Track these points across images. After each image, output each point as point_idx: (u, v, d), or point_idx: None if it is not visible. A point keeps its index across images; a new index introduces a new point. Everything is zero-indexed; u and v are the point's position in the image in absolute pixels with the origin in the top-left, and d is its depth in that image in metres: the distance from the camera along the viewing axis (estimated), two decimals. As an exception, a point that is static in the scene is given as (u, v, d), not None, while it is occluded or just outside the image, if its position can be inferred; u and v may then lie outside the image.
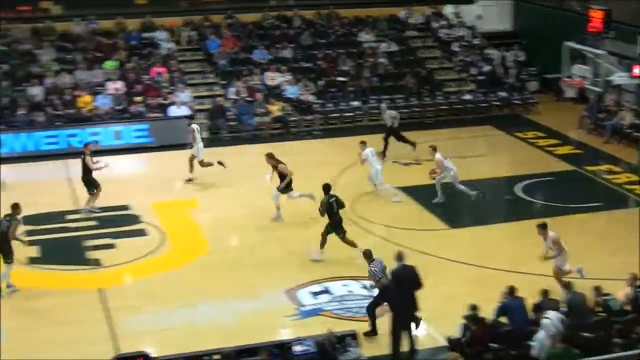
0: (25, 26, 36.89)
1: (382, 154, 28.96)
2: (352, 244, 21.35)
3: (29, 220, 24.21)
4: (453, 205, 25.49)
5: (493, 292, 17.50)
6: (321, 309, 18.99)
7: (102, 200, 25.17)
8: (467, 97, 36.58)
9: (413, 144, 30.24)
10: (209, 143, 31.93)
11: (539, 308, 16.52)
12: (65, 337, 17.92)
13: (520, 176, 27.86)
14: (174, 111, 33.00)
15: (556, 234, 19.20)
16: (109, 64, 35.25)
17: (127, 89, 34.10)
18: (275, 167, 24.14)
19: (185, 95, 33.86)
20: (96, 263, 21.94)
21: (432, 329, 17.74)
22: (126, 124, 32.25)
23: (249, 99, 34.37)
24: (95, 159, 25.15)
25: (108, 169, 25.41)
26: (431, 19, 40.94)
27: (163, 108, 33.27)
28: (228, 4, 40.11)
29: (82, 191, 25.49)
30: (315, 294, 19.70)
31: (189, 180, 27.51)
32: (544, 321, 15.65)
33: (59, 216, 24.69)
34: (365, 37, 38.86)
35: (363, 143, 26.05)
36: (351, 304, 19.18)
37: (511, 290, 16.85)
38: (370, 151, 25.93)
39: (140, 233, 23.79)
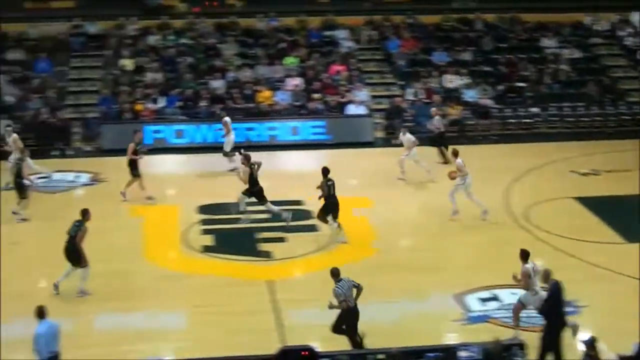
0: (210, 21, 37.90)
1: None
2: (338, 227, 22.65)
3: (204, 210, 24.90)
4: (633, 219, 24.67)
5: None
6: (489, 316, 18.69)
7: (277, 194, 25.52)
8: (652, 108, 35.42)
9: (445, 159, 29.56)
10: (384, 143, 32.05)
11: None
12: (232, 326, 18.21)
13: None
14: (352, 110, 33.19)
15: (529, 269, 17.26)
16: (290, 61, 35.77)
17: (306, 85, 34.53)
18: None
19: (363, 94, 34.03)
20: (267, 255, 22.27)
21: (603, 345, 17.16)
22: (304, 120, 32.68)
23: (427, 100, 34.24)
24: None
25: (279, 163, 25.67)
26: (617, 26, 39.78)
27: (340, 106, 33.51)
28: (410, 5, 40.09)
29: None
30: (484, 300, 19.40)
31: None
32: None
33: (233, 207, 25.15)
34: (548, 42, 38.14)
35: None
36: (520, 314, 18.78)
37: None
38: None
39: (312, 228, 23.95)
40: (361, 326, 18.13)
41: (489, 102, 34.59)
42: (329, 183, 22.62)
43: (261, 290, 19.97)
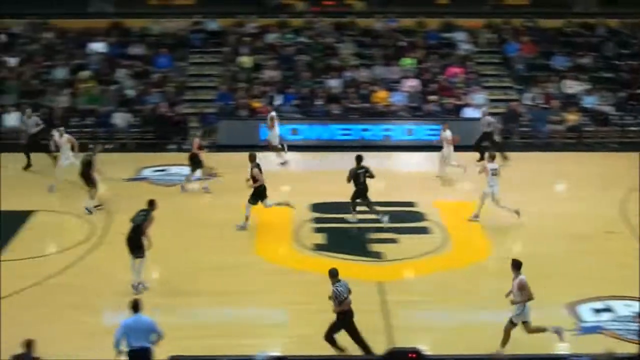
0: (328, 20, 38.03)
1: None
2: (376, 212, 23.77)
3: (317, 208, 24.99)
4: None
5: None
6: (602, 327, 18.33)
7: (389, 195, 25.53)
8: None
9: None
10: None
11: None
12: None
13: None
14: (468, 113, 32.93)
15: (525, 279, 16.81)
16: (407, 62, 35.66)
17: (423, 87, 34.38)
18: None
19: (479, 97, 33.72)
20: (377, 256, 22.25)
21: None
22: (419, 122, 32.55)
23: (545, 105, 33.74)
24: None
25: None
26: None
27: (457, 109, 33.28)
28: (530, 8, 39.57)
29: (371, 184, 25.93)
30: (597, 311, 19.03)
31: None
32: None
33: (346, 206, 25.17)
34: (673, 49, 37.22)
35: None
36: (635, 326, 18.38)
37: None
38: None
39: (424, 231, 23.89)
40: (473, 330, 18.04)
41: (608, 109, 33.89)
42: (359, 171, 23.69)
43: (371, 291, 19.94)
